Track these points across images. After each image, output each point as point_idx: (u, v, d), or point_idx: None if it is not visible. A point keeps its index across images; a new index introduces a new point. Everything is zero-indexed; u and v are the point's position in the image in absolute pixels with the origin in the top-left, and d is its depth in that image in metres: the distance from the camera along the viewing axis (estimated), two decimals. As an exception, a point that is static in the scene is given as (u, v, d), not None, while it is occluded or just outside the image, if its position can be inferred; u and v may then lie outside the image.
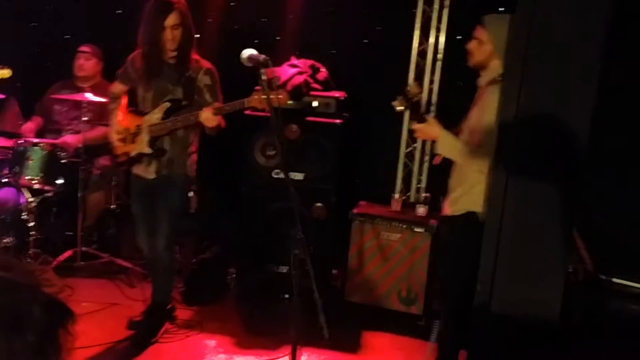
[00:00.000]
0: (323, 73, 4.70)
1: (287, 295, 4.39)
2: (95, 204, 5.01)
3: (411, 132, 3.33)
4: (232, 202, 4.81)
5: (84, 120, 4.67)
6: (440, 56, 5.02)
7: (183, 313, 4.27)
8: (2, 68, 4.39)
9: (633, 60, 4.23)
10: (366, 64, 5.19)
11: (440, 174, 3.56)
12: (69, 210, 4.85)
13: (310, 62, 4.71)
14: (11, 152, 4.68)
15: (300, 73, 4.56)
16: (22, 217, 4.61)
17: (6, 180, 4.63)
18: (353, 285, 4.55)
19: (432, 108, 5.09)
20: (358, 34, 5.27)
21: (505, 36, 3.22)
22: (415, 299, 4.39)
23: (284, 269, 4.55)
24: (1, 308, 1.16)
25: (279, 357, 3.76)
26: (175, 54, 3.76)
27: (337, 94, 4.59)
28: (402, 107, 3.19)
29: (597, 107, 2.76)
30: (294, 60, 4.72)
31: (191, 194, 4.41)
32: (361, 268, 4.51)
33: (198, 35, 3.95)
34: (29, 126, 5.02)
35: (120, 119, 3.96)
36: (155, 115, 3.79)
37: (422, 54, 5.06)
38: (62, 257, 4.67)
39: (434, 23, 4.99)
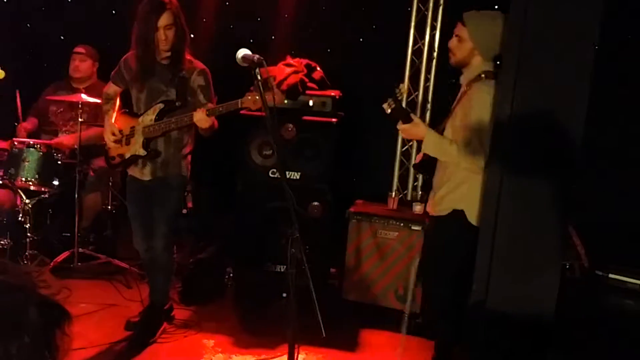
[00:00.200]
0: (319, 72, 4.71)
1: (284, 294, 4.39)
2: (92, 205, 5.01)
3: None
4: (229, 202, 4.82)
5: (80, 122, 4.67)
6: (435, 54, 5.03)
7: (181, 313, 4.28)
8: None
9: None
10: (361, 63, 5.20)
11: (424, 172, 3.57)
12: (65, 211, 4.85)
13: (305, 61, 4.71)
14: (7, 153, 4.68)
15: (295, 72, 4.56)
16: (18, 218, 4.61)
17: (2, 182, 4.63)
18: (350, 283, 4.56)
19: (428, 106, 5.11)
20: (353, 32, 5.28)
21: (486, 33, 3.23)
22: (412, 297, 4.40)
23: (281, 268, 4.55)
24: (-3, 310, 1.16)
25: (277, 356, 3.77)
26: (168, 54, 3.76)
27: (332, 92, 4.59)
28: (390, 109, 3.19)
29: (591, 105, 2.78)
30: (290, 60, 4.72)
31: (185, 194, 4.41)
32: (358, 266, 4.52)
33: (192, 36, 3.95)
34: (24, 127, 5.02)
35: (115, 120, 3.96)
36: (149, 117, 3.79)
37: (417, 52, 5.07)
38: (59, 259, 4.67)
39: (429, 22, 5.00)
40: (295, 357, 2.63)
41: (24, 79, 5.32)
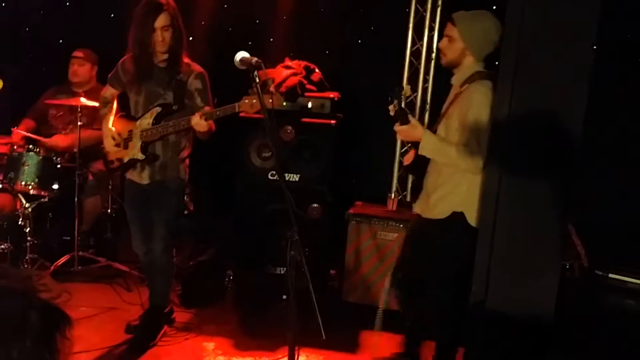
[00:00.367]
0: (317, 74, 4.71)
1: (285, 297, 4.39)
2: (92, 208, 5.01)
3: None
4: (228, 204, 4.82)
5: (80, 125, 4.67)
6: (434, 56, 5.03)
7: (181, 316, 4.27)
8: None
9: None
10: (360, 65, 5.21)
11: (414, 174, 3.54)
12: (65, 215, 4.85)
13: (304, 63, 4.71)
14: (6, 157, 4.68)
15: (294, 74, 4.56)
16: (18, 222, 4.61)
17: (1, 186, 4.63)
18: (350, 285, 4.56)
19: (427, 107, 5.11)
20: (352, 34, 5.28)
21: (476, 32, 3.23)
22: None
23: (281, 270, 4.55)
24: (-2, 315, 1.17)
25: (277, 358, 3.77)
26: (166, 56, 3.75)
27: (331, 94, 4.60)
28: (394, 111, 3.19)
29: (590, 105, 2.78)
30: (288, 62, 4.73)
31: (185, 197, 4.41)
32: (358, 268, 4.52)
33: (191, 38, 3.95)
34: (20, 130, 5.01)
35: (112, 124, 3.96)
36: (147, 121, 3.78)
37: (415, 53, 5.08)
38: (59, 262, 4.67)
39: (427, 23, 5.00)
40: (296, 359, 2.63)
41: (22, 83, 5.34)
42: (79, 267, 4.72)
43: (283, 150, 4.43)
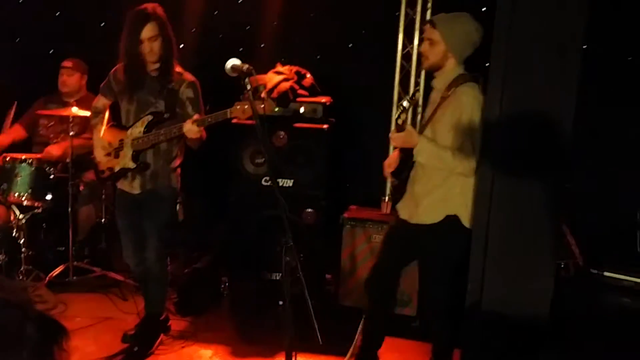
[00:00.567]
0: (309, 79, 4.72)
1: (281, 302, 4.39)
2: (86, 218, 5.00)
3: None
4: (222, 211, 4.82)
5: (71, 135, 4.66)
6: (424, 58, 5.04)
7: (177, 324, 4.27)
8: None
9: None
10: (351, 68, 5.22)
11: (398, 179, 3.51)
12: (59, 225, 4.84)
13: (295, 68, 4.72)
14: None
15: (286, 80, 4.57)
16: (12, 234, 4.59)
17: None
18: (346, 289, 4.57)
19: (419, 110, 5.12)
20: (342, 38, 5.29)
21: (457, 33, 3.24)
22: (409, 301, 4.41)
23: (277, 276, 4.55)
24: (-6, 328, 1.17)
25: (274, 364, 3.77)
26: (157, 65, 3.75)
27: (323, 99, 4.61)
28: (402, 121, 3.21)
29: (585, 105, 2.80)
30: (280, 67, 4.73)
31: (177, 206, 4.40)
32: (354, 272, 4.53)
33: (182, 46, 3.94)
34: (2, 139, 4.99)
35: (103, 134, 3.94)
36: (138, 129, 3.77)
37: (406, 56, 5.09)
38: (54, 273, 4.66)
39: (417, 26, 5.01)
40: (293, 364, 2.63)
41: (13, 93, 5.32)
42: (74, 278, 4.71)
43: (276, 155, 4.43)
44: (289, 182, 4.53)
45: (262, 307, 4.51)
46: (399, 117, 3.22)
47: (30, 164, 4.63)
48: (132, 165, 3.80)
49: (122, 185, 3.92)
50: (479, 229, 2.94)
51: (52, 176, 4.71)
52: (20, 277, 4.55)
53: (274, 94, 4.44)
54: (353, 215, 4.62)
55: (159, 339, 3.99)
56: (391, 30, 5.06)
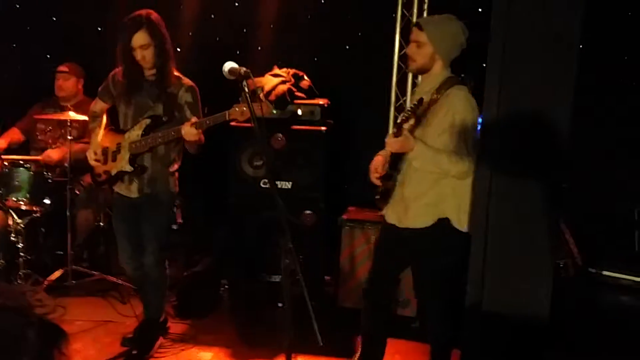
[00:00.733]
0: (306, 81, 4.72)
1: (280, 304, 4.39)
2: (84, 222, 4.99)
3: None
4: (221, 214, 4.81)
5: (70, 139, 4.66)
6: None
7: (177, 327, 4.27)
8: None
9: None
10: (348, 70, 5.22)
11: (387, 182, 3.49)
12: (57, 229, 4.84)
13: (292, 70, 4.72)
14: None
15: (283, 82, 4.57)
16: (10, 238, 4.59)
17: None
18: (346, 290, 4.57)
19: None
20: (339, 40, 5.29)
21: (444, 35, 3.23)
22: (408, 302, 4.42)
23: (276, 278, 4.55)
24: (-5, 333, 1.17)
25: (274, 367, 3.77)
26: (153, 71, 3.75)
27: (320, 101, 4.61)
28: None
29: (584, 103, 2.80)
30: (277, 70, 4.74)
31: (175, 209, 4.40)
32: (353, 273, 4.53)
33: (179, 50, 3.94)
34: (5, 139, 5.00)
35: (101, 138, 3.94)
36: (135, 132, 3.77)
37: (403, 58, 5.08)
38: (52, 277, 4.66)
39: (413, 27, 5.02)
40: (293, 366, 2.63)
41: (10, 98, 5.33)
42: (73, 281, 4.71)
43: (274, 158, 4.43)
44: (287, 184, 4.53)
45: (262, 309, 4.51)
46: (406, 121, 3.21)
47: (28, 169, 4.63)
48: (129, 168, 3.79)
49: (120, 188, 3.92)
50: (478, 230, 2.94)
51: (50, 180, 4.70)
52: (19, 282, 4.55)
53: (272, 97, 4.44)
54: (352, 217, 4.63)
55: (158, 342, 3.99)
56: (388, 31, 5.06)
